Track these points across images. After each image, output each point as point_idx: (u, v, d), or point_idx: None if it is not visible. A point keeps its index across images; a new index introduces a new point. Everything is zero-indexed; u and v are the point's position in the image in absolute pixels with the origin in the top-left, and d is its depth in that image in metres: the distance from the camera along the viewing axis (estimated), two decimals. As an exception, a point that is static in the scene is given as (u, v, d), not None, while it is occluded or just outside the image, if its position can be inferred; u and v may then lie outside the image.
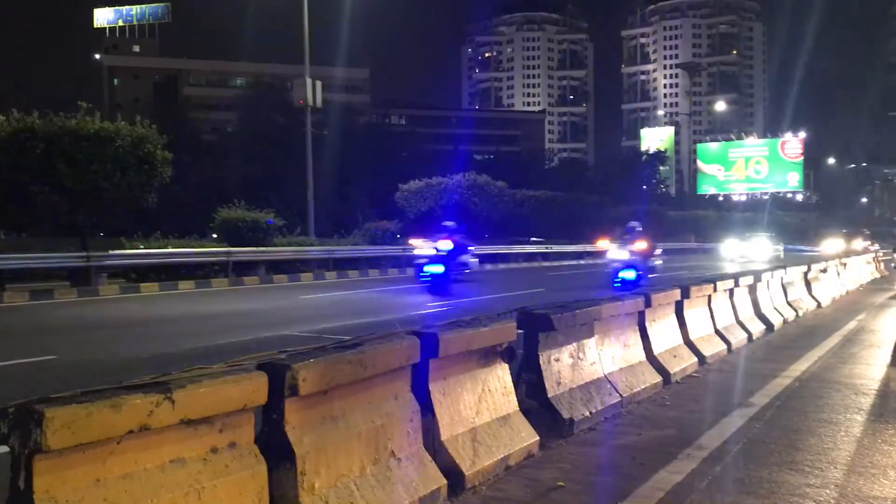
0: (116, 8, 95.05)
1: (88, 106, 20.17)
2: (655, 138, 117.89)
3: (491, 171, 44.06)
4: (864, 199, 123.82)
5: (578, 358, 5.77)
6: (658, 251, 19.17)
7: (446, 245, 17.40)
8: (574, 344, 5.74)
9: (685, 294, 8.01)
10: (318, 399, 3.29)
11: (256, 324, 12.02)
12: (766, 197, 78.68)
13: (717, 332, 8.95)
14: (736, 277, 10.16)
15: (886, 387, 7.12)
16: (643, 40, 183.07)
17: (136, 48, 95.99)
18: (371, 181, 47.36)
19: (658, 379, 6.83)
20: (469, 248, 19.75)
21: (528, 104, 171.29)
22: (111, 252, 19.84)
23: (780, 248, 43.53)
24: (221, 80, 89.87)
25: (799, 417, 5.86)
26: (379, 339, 3.80)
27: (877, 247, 45.16)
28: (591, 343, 5.99)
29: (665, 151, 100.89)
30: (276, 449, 3.11)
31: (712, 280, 9.30)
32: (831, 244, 47.96)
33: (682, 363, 7.48)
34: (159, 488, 2.62)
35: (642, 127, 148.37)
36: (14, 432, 2.30)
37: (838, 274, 17.80)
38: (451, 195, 36.43)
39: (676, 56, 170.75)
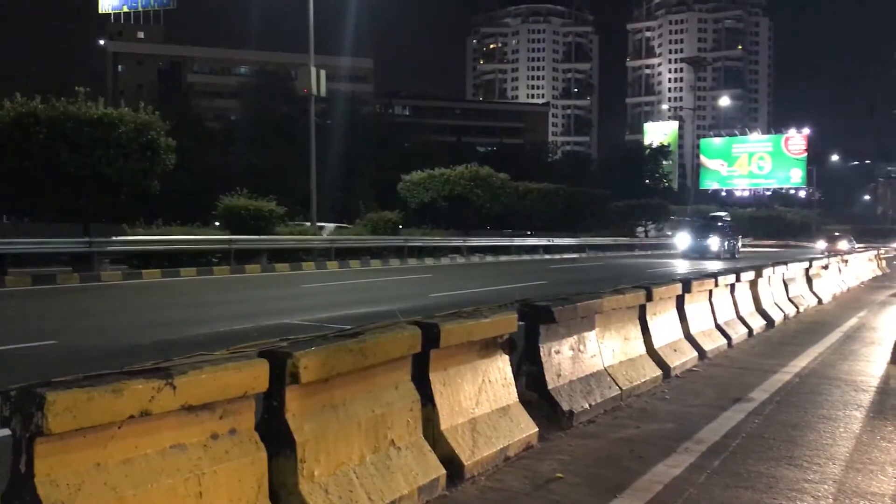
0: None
1: (86, 90, 20.13)
2: (659, 132, 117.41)
3: (493, 162, 43.91)
4: (867, 197, 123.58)
5: (579, 350, 5.77)
6: None
7: None
8: (575, 336, 5.74)
9: (686, 288, 8.00)
10: (319, 387, 3.29)
11: (257, 312, 12.03)
12: (768, 193, 78.64)
13: (718, 326, 8.95)
14: (737, 272, 10.16)
15: (886, 384, 7.13)
16: (649, 34, 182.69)
17: (141, 35, 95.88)
18: (374, 171, 47.40)
19: (658, 373, 6.84)
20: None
21: (532, 96, 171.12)
22: (113, 238, 19.80)
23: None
24: (225, 67, 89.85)
25: (798, 413, 5.87)
26: (380, 328, 3.81)
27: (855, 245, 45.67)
28: (591, 336, 5.99)
29: (668, 146, 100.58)
30: (276, 436, 3.12)
31: (714, 275, 9.30)
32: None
33: (683, 357, 7.49)
34: (159, 473, 2.63)
35: (646, 121, 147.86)
36: (16, 415, 2.31)
37: (840, 271, 17.78)
38: (454, 187, 36.40)
39: (682, 50, 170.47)
